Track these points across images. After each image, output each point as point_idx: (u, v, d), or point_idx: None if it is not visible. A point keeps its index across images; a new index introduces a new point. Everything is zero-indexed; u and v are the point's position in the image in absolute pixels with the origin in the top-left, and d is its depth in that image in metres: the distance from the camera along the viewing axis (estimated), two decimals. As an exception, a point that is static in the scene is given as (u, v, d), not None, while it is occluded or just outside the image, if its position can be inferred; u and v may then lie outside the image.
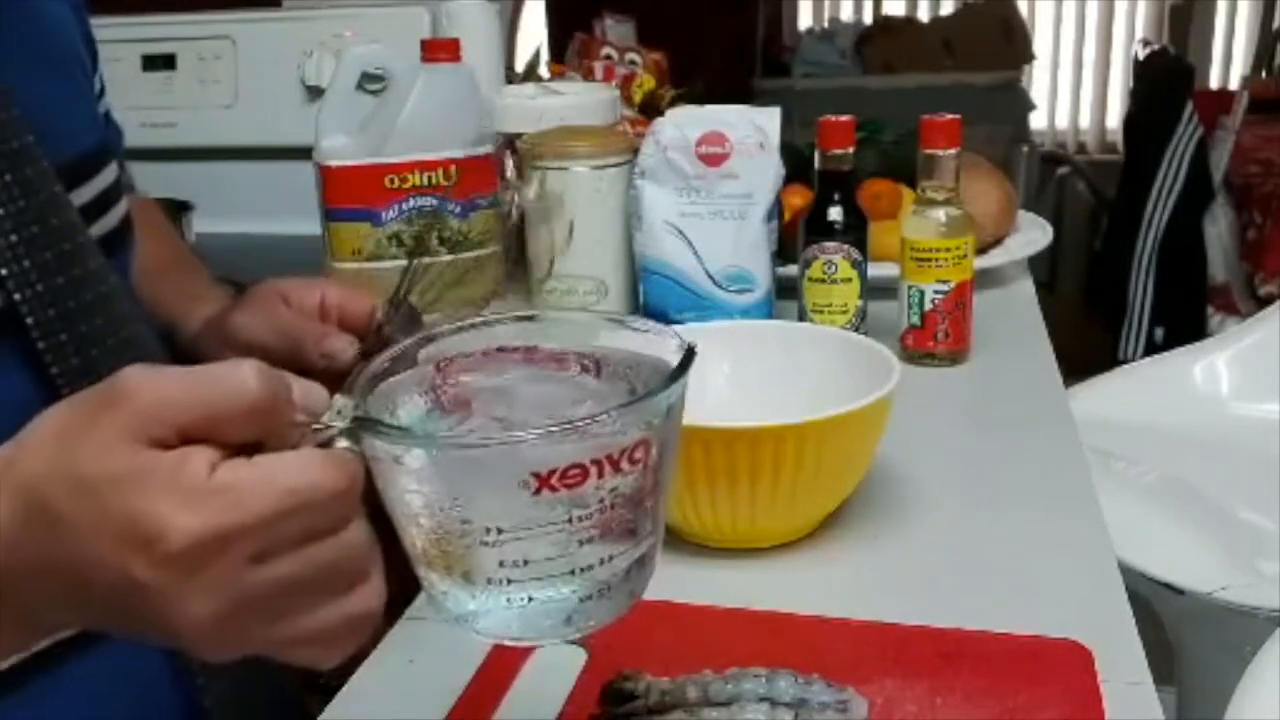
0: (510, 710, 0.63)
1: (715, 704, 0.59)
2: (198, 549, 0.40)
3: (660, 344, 0.50)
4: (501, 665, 0.67)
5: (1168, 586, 1.32)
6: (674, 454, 0.49)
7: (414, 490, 0.45)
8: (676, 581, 0.75)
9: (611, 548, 0.47)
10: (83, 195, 0.70)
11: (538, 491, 0.44)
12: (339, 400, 0.45)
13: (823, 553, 0.80)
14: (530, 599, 0.46)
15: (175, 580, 0.40)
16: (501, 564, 0.45)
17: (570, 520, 0.45)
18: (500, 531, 0.45)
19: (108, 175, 0.73)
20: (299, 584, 0.42)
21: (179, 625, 0.41)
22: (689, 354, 0.48)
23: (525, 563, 0.45)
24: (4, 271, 0.61)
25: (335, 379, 0.57)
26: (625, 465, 0.45)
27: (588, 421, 0.44)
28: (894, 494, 0.86)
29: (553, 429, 0.44)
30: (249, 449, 0.42)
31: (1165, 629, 1.44)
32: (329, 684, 0.68)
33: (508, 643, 0.50)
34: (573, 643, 0.68)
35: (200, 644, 0.42)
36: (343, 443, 0.44)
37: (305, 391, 0.45)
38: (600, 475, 0.45)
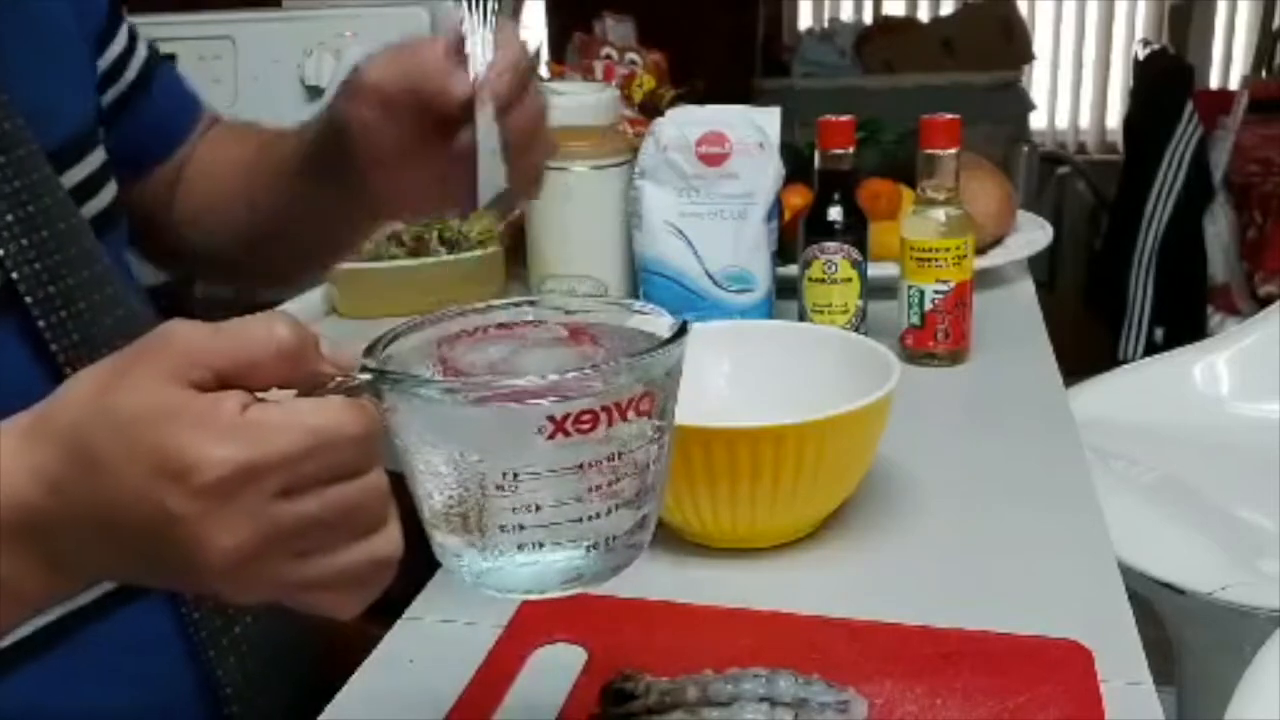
0: (510, 710, 0.63)
1: (715, 704, 0.59)
2: (228, 481, 0.42)
3: (656, 323, 0.53)
4: (501, 665, 0.67)
5: (1168, 586, 1.32)
6: (672, 424, 0.51)
7: (432, 441, 0.47)
8: (676, 581, 0.75)
9: (617, 498, 0.49)
10: (73, 177, 0.70)
11: (552, 436, 0.46)
12: (363, 359, 0.48)
13: (823, 553, 0.80)
14: (541, 546, 0.48)
15: (206, 510, 0.42)
16: (515, 510, 0.47)
17: (581, 466, 0.47)
18: (515, 477, 0.47)
19: (96, 158, 0.74)
20: (322, 522, 0.44)
21: (206, 557, 0.43)
22: (683, 326, 0.51)
23: (537, 508, 0.48)
24: (1, 251, 0.62)
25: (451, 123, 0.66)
26: (632, 415, 0.47)
27: (602, 366, 0.47)
28: (894, 494, 0.86)
29: (571, 372, 0.47)
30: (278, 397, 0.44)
31: (1165, 629, 1.44)
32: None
33: (518, 597, 0.52)
34: (574, 642, 0.68)
35: (225, 579, 0.44)
36: (365, 396, 0.46)
37: (334, 346, 0.47)
38: (610, 422, 0.47)
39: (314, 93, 1.58)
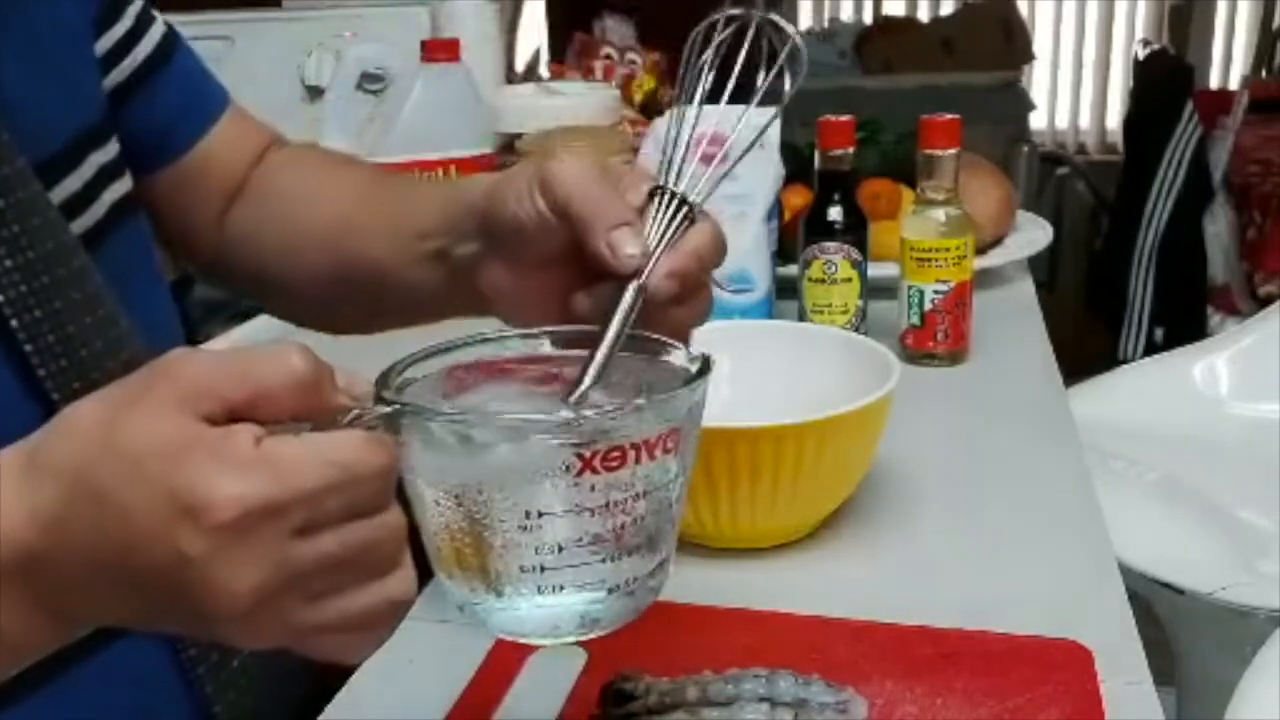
0: (510, 710, 0.63)
1: (715, 704, 0.59)
2: (245, 519, 0.40)
3: (668, 353, 0.52)
4: (501, 665, 0.67)
5: (1168, 586, 1.32)
6: (693, 459, 0.50)
7: (452, 477, 0.46)
8: (677, 581, 0.74)
9: (640, 539, 0.48)
10: (65, 189, 0.67)
11: (580, 473, 0.45)
12: (377, 388, 0.46)
13: (823, 553, 0.80)
14: (561, 589, 0.47)
15: (222, 550, 0.40)
16: (537, 550, 0.46)
17: (607, 505, 0.46)
18: (539, 515, 0.45)
19: (93, 164, 0.70)
20: (340, 561, 0.42)
21: (220, 601, 0.41)
22: (707, 361, 0.50)
23: (560, 549, 0.46)
24: None
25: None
26: (659, 453, 0.46)
27: (633, 402, 0.46)
28: (894, 494, 0.86)
29: (605, 409, 0.45)
30: (292, 430, 0.42)
31: (1165, 629, 1.44)
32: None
33: (532, 642, 0.50)
34: (575, 643, 0.68)
35: (237, 623, 0.42)
36: (379, 429, 0.45)
37: (349, 378, 0.45)
38: (638, 459, 0.45)
39: (314, 93, 1.58)
